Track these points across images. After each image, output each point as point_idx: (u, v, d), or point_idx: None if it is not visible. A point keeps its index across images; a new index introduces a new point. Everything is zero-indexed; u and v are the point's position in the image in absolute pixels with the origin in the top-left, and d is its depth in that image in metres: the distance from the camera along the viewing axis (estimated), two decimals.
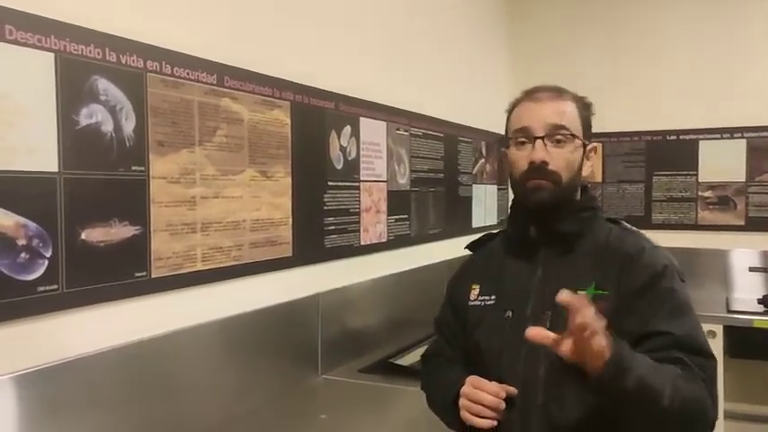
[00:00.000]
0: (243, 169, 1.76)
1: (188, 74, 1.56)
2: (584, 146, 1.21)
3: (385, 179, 2.59)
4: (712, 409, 1.05)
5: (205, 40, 1.64)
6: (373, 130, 2.50)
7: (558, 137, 1.18)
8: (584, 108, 1.24)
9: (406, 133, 2.78)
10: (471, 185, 3.56)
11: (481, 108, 3.71)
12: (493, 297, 1.22)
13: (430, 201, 3.02)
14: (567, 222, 1.19)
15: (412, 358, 2.30)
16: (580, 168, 1.21)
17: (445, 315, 1.37)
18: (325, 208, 2.18)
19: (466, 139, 3.45)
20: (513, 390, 1.13)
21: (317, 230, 2.15)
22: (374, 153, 2.51)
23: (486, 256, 1.32)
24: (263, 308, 1.88)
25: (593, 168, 1.25)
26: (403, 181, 2.76)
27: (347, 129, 2.31)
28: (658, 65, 3.89)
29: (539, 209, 1.19)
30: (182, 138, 1.55)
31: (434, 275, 2.91)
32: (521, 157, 1.20)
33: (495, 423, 1.12)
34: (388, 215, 2.61)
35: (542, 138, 1.17)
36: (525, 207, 1.22)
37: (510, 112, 1.27)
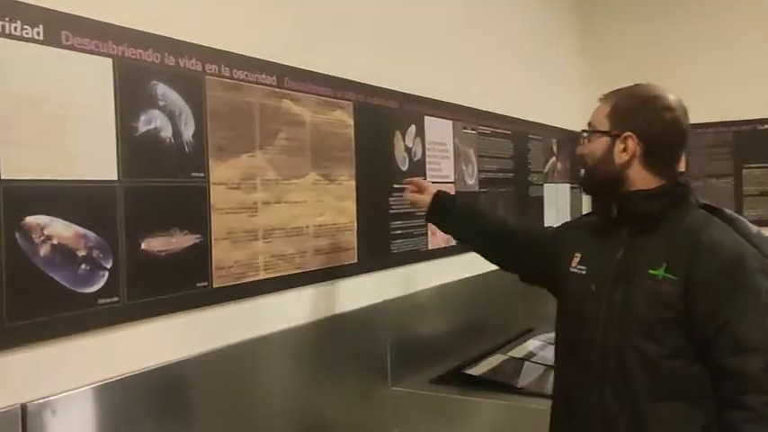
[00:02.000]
0: (305, 173, 1.70)
1: (247, 75, 1.51)
2: (613, 136, 1.30)
3: (452, 180, 2.48)
4: None
5: (264, 41, 1.59)
6: (439, 130, 2.39)
7: (585, 134, 1.38)
8: (627, 100, 1.32)
9: (473, 132, 2.65)
10: (542, 185, 3.39)
11: (551, 104, 3.53)
12: (585, 268, 1.36)
13: (500, 202, 2.88)
14: (642, 204, 1.27)
15: (485, 367, 2.17)
16: (609, 157, 1.31)
17: (548, 234, 1.64)
18: (391, 211, 2.09)
19: (536, 137, 3.28)
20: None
21: (383, 235, 2.06)
22: (440, 153, 2.40)
23: (590, 226, 1.44)
24: (328, 317, 1.80)
25: (631, 154, 1.29)
26: (471, 182, 2.63)
27: (412, 128, 2.21)
28: (742, 51, 3.60)
29: (584, 192, 1.46)
30: (242, 142, 1.49)
31: (506, 280, 2.75)
32: None
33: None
34: None
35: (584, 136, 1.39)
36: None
37: None
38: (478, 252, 1.77)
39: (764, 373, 1.13)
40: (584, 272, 1.36)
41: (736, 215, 1.28)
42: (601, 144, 1.32)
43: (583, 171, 1.41)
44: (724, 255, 1.18)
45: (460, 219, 1.74)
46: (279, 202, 1.60)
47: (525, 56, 3.21)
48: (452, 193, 2.43)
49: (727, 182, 3.71)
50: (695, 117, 3.71)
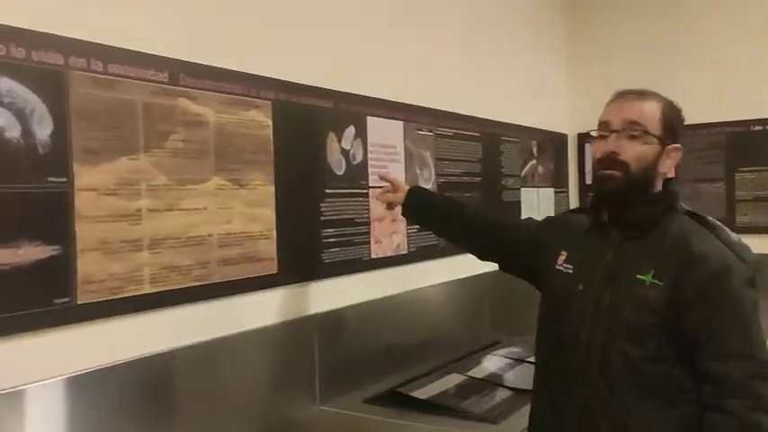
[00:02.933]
0: (207, 177, 1.57)
1: (127, 71, 1.38)
2: (663, 144, 1.29)
3: None
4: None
5: (153, 33, 1.46)
6: (386, 131, 2.24)
7: (633, 132, 1.28)
8: (671, 110, 1.32)
9: (429, 134, 2.50)
10: (519, 189, 3.22)
11: (530, 104, 3.36)
12: (572, 267, 1.37)
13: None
14: (635, 211, 1.29)
15: (429, 391, 2.01)
16: (655, 164, 1.29)
17: (532, 227, 1.64)
18: (323, 218, 1.95)
19: (511, 139, 3.11)
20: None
21: (312, 244, 1.92)
22: (388, 156, 2.25)
23: (578, 226, 1.43)
24: (242, 332, 1.67)
25: (674, 167, 1.32)
26: (427, 186, 2.48)
27: (350, 130, 2.07)
28: (737, 47, 3.39)
29: (607, 196, 1.32)
30: (120, 144, 1.36)
31: (466, 291, 2.62)
32: (598, 149, 1.32)
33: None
34: (408, 225, 2.34)
35: (618, 131, 1.29)
36: (597, 194, 1.36)
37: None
38: (458, 244, 1.79)
39: (747, 379, 1.17)
40: (570, 271, 1.37)
41: (718, 223, 1.31)
42: (652, 149, 1.29)
43: (614, 172, 1.28)
44: (712, 266, 1.21)
45: (440, 212, 1.74)
46: (171, 209, 1.47)
47: (498, 54, 3.04)
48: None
49: (719, 186, 3.50)
50: (687, 117, 3.53)
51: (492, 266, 1.72)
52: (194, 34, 1.56)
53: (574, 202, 3.83)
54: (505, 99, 3.10)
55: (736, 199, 3.45)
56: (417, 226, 2.37)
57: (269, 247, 1.75)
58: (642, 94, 1.33)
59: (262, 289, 1.73)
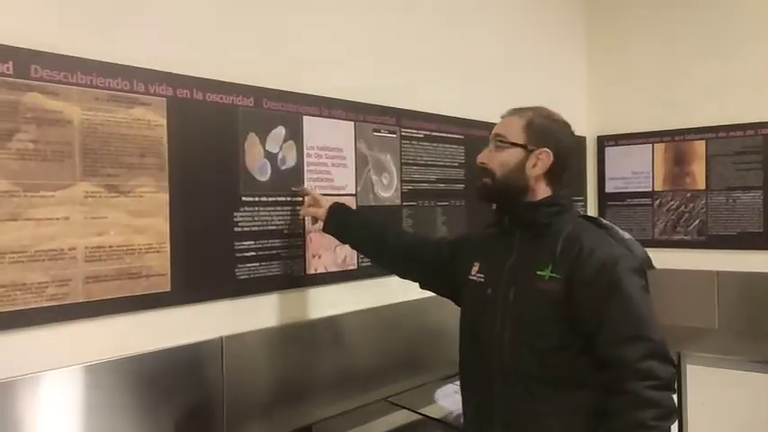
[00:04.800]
0: (69, 183, 1.39)
1: None
2: (528, 150, 1.42)
3: (352, 192, 2.09)
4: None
5: None
6: (329, 132, 2.01)
7: (497, 143, 1.44)
8: (541, 119, 1.44)
9: (392, 135, 2.25)
10: None
11: (536, 103, 3.04)
12: (483, 275, 1.49)
13: (438, 217, 2.45)
14: (531, 214, 1.42)
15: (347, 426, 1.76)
16: (521, 168, 1.42)
17: (447, 244, 1.73)
18: (238, 230, 1.74)
19: None
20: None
21: (223, 258, 1.71)
22: (332, 161, 2.02)
23: (487, 237, 1.56)
24: (121, 358, 1.48)
25: (543, 168, 1.42)
26: (388, 194, 2.23)
27: (278, 131, 1.85)
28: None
29: (483, 200, 1.50)
30: None
31: (420, 311, 2.31)
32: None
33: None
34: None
35: (489, 145, 1.47)
36: (481, 201, 1.51)
37: None
38: (377, 263, 1.86)
39: (642, 359, 1.25)
40: (482, 279, 1.49)
41: (610, 224, 1.44)
42: (514, 155, 1.42)
43: (486, 179, 1.45)
44: (601, 257, 1.32)
45: (356, 231, 1.80)
46: (15, 219, 1.30)
47: (495, 47, 2.75)
48: (352, 205, 2.05)
49: (755, 196, 3.06)
50: (715, 119, 3.12)
51: None
52: (54, 20, 1.38)
53: (592, 211, 3.47)
54: (501, 98, 2.80)
55: None
56: None
57: (159, 262, 1.56)
58: (515, 111, 1.47)
59: (148, 308, 1.54)
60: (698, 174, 3.21)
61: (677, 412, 1.28)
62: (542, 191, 1.43)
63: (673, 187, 3.29)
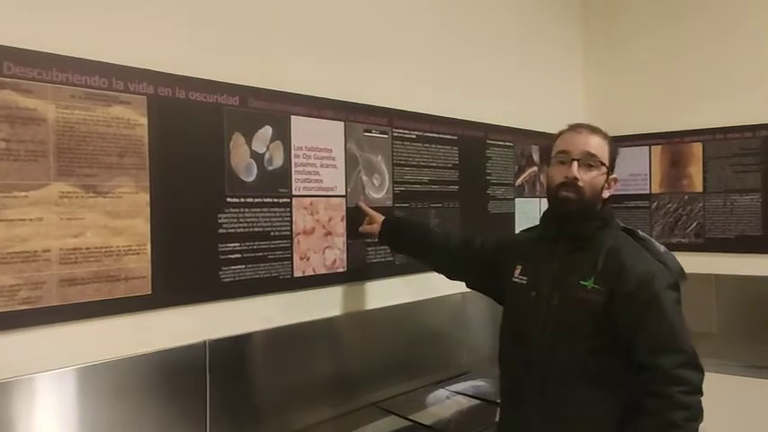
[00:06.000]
0: (43, 183, 1.34)
1: None
2: (608, 174, 1.53)
3: (342, 193, 2.05)
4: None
5: None
6: (318, 132, 1.97)
7: (590, 162, 1.50)
8: (612, 146, 1.54)
9: (383, 136, 2.21)
10: (513, 199, 2.87)
11: (530, 104, 3.00)
12: (526, 278, 1.57)
13: (431, 219, 2.41)
14: (579, 227, 1.51)
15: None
16: (602, 190, 1.53)
17: (492, 245, 1.79)
18: (222, 231, 1.70)
19: (501, 143, 2.78)
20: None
21: (207, 261, 1.67)
22: (321, 161, 1.98)
23: (529, 242, 1.65)
24: (98, 364, 1.44)
25: (611, 192, 1.56)
26: (379, 195, 2.19)
27: (265, 130, 1.81)
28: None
29: (566, 215, 1.52)
30: None
31: (412, 314, 2.28)
32: (558, 173, 1.52)
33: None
34: (348, 238, 2.06)
35: (578, 160, 1.50)
36: (554, 213, 1.56)
37: (555, 139, 1.58)
38: (429, 266, 1.99)
39: (676, 367, 1.36)
40: (524, 282, 1.57)
41: (646, 236, 1.54)
42: (601, 177, 1.51)
43: (568, 194, 1.49)
44: (640, 274, 1.42)
45: (408, 240, 1.98)
46: None
47: (489, 47, 2.71)
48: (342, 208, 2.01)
49: (754, 198, 3.01)
50: (713, 120, 3.08)
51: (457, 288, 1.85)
52: (28, 15, 1.34)
53: None
54: (493, 98, 2.76)
55: None
56: (365, 240, 2.11)
57: (140, 264, 1.51)
58: (595, 130, 1.55)
59: (128, 312, 1.50)
60: (695, 176, 3.17)
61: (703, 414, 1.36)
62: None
63: (670, 189, 3.25)
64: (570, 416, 1.45)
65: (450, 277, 1.93)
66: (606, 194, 1.53)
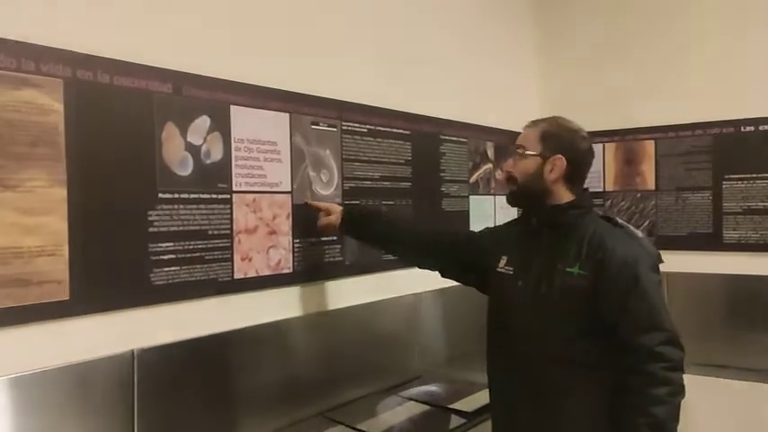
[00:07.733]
0: None
1: None
2: (544, 158, 1.58)
3: (288, 189, 1.92)
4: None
5: None
6: (261, 125, 1.84)
7: (518, 152, 1.63)
8: (555, 128, 1.61)
9: (332, 129, 2.10)
10: (468, 197, 2.79)
11: (483, 100, 2.93)
12: (512, 268, 1.64)
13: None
14: (558, 216, 1.59)
15: None
16: (540, 174, 1.59)
17: (468, 236, 1.91)
18: (153, 230, 1.56)
19: (455, 139, 2.70)
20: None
21: (135, 262, 1.52)
22: (264, 155, 1.85)
23: (513, 233, 1.71)
24: (5, 378, 1.28)
25: (559, 172, 1.58)
26: (327, 192, 2.07)
27: (202, 121, 1.67)
28: (729, 35, 2.92)
29: (512, 204, 1.70)
30: None
31: (364, 317, 2.17)
32: None
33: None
34: (294, 237, 1.94)
35: (512, 155, 1.67)
36: (512, 204, 1.71)
37: None
38: (397, 255, 2.02)
39: (660, 345, 1.42)
40: (511, 272, 1.64)
41: (625, 223, 1.61)
42: (532, 164, 1.59)
43: (512, 187, 1.63)
44: (623, 257, 1.48)
45: (377, 227, 1.94)
46: None
47: (440, 34, 2.63)
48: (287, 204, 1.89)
49: (705, 196, 3.03)
50: (668, 118, 3.06)
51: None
52: None
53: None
54: (447, 93, 2.68)
55: (724, 211, 2.97)
56: (313, 239, 1.99)
57: (55, 267, 1.36)
58: (532, 123, 1.64)
59: (42, 320, 1.34)
60: (648, 174, 3.17)
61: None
62: (564, 194, 1.59)
63: (623, 187, 3.24)
64: (559, 399, 1.52)
65: (420, 266, 1.97)
66: (552, 176, 1.56)
